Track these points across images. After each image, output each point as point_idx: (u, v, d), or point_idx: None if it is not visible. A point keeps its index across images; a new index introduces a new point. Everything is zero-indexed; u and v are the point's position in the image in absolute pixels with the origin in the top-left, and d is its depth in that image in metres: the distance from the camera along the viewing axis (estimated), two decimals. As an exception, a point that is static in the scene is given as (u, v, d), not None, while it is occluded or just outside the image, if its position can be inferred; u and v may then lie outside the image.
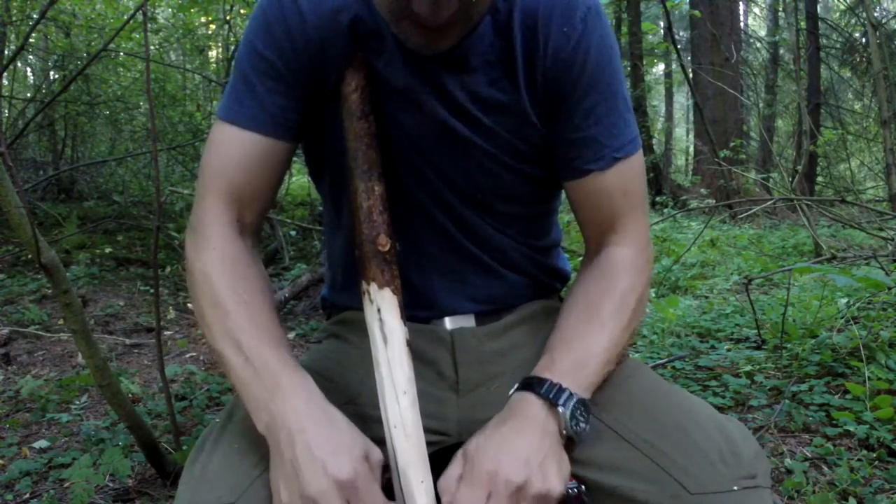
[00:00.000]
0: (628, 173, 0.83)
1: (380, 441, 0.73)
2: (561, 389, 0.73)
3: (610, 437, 0.75)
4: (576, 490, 0.71)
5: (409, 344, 0.75)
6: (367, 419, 0.80)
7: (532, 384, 0.76)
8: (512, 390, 0.78)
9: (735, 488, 0.69)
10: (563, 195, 0.93)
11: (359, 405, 0.83)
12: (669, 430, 0.74)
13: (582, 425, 0.73)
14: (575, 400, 0.73)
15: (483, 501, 0.68)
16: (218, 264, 0.78)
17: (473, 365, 0.86)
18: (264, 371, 0.72)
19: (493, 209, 0.87)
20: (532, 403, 0.74)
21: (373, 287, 0.75)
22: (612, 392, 0.79)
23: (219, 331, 0.75)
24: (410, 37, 0.73)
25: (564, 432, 0.73)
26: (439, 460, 0.78)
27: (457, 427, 0.85)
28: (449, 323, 0.88)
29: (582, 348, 0.78)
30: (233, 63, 0.87)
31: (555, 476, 0.70)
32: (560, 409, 0.72)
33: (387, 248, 0.76)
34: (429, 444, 0.76)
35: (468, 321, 0.89)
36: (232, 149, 0.80)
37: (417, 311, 0.86)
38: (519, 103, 0.80)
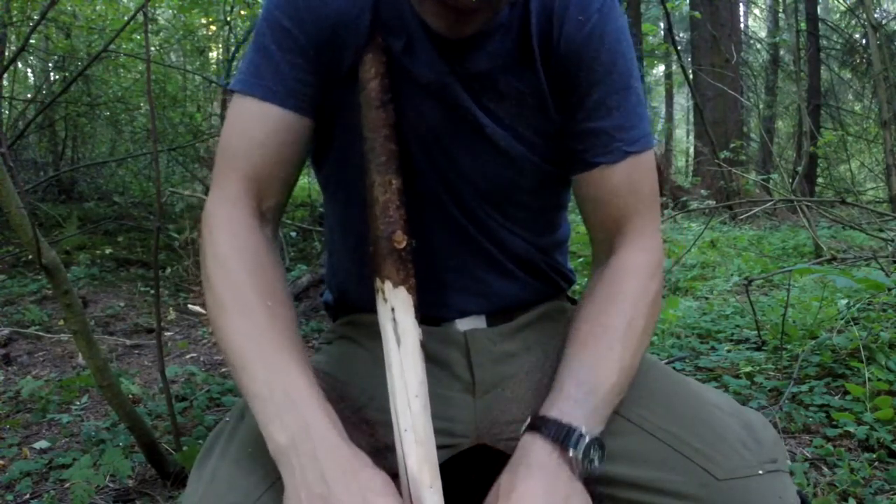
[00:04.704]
0: (638, 170, 0.80)
1: (389, 446, 0.71)
2: (571, 430, 0.69)
3: (632, 432, 0.74)
4: None
5: (423, 345, 0.72)
6: (376, 424, 0.78)
7: (540, 426, 0.71)
8: (523, 428, 0.74)
9: (760, 472, 0.69)
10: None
11: (367, 409, 0.81)
12: (690, 420, 0.73)
13: (595, 463, 0.69)
14: (587, 440, 0.69)
15: None
16: (236, 252, 0.73)
17: (488, 366, 0.84)
18: (288, 400, 0.67)
19: (508, 203, 0.84)
20: (541, 449, 0.69)
21: (387, 285, 0.72)
22: (629, 387, 0.77)
23: (240, 334, 0.70)
24: (435, 18, 0.71)
25: (577, 475, 0.69)
26: (455, 465, 0.76)
27: (475, 429, 0.82)
28: (461, 324, 0.86)
29: (593, 377, 0.73)
30: (251, 35, 0.82)
31: None
32: (571, 451, 0.69)
33: (403, 245, 0.72)
34: (444, 448, 0.74)
35: (479, 322, 0.87)
36: (250, 123, 0.77)
37: (428, 311, 0.82)
38: (538, 93, 0.78)
